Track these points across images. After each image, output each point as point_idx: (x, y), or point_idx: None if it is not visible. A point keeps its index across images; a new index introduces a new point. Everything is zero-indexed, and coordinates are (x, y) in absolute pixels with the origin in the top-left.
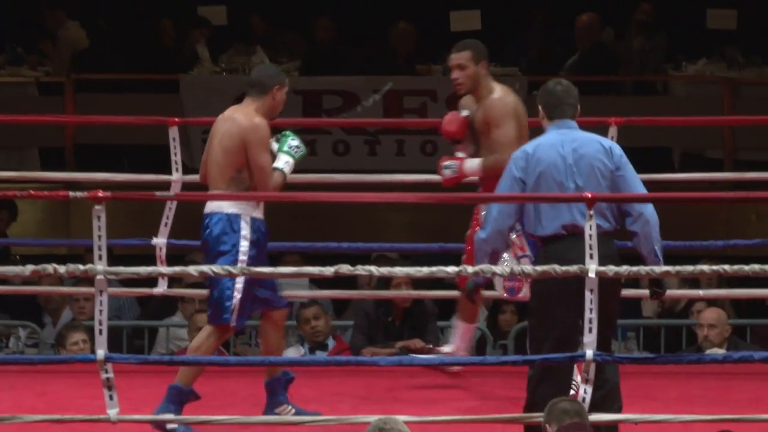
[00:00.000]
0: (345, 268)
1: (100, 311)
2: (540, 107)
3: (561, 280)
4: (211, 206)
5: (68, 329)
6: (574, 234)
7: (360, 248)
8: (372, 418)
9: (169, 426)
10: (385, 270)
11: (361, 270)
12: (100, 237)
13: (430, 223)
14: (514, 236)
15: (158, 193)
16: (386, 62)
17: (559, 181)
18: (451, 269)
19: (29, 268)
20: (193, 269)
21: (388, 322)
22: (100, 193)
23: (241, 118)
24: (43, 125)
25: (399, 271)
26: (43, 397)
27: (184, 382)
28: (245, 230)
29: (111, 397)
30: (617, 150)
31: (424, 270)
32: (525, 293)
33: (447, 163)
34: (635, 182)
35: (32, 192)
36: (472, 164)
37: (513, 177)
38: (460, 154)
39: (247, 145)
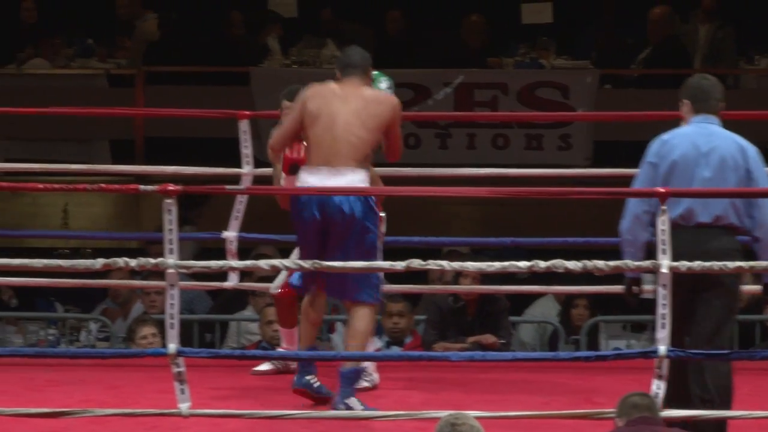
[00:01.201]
0: (416, 263)
1: (172, 305)
2: (685, 100)
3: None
4: (339, 183)
5: (137, 323)
6: (689, 225)
7: (431, 242)
8: (443, 414)
9: (358, 405)
10: (456, 265)
11: (433, 265)
12: (171, 230)
13: (501, 218)
14: None
15: (228, 187)
16: (457, 55)
17: (690, 170)
18: (523, 264)
19: (100, 262)
20: (264, 263)
21: (461, 317)
22: (171, 187)
23: (384, 98)
24: (113, 118)
25: (470, 265)
26: (113, 391)
27: (357, 363)
28: (376, 208)
29: (182, 391)
30: (752, 151)
31: (496, 265)
32: None
33: None
34: (764, 185)
35: (102, 185)
36: None
37: (648, 162)
38: None
39: (393, 122)
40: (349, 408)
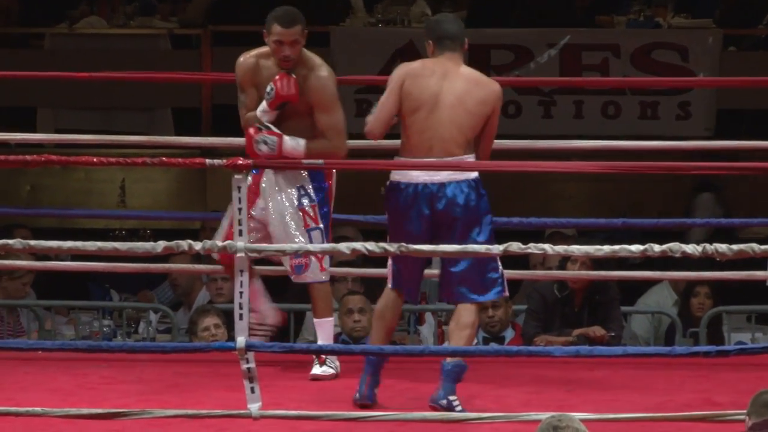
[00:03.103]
0: (515, 246)
1: (241, 293)
2: None
3: None
4: (452, 173)
5: (199, 314)
6: None
7: (533, 224)
8: (544, 415)
9: (457, 405)
10: (560, 248)
11: (534, 248)
12: (240, 210)
13: (611, 196)
14: (308, 206)
15: (306, 161)
16: (563, 13)
17: None
18: (636, 247)
19: (161, 245)
20: (344, 246)
21: (566, 307)
22: (241, 161)
23: (487, 82)
24: (176, 83)
25: (576, 249)
26: (175, 390)
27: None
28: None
29: (252, 390)
30: None
31: (605, 248)
32: (314, 274)
33: (263, 137)
34: None
35: (164, 159)
36: (295, 145)
37: None
38: (274, 129)
39: (495, 111)
40: (450, 405)
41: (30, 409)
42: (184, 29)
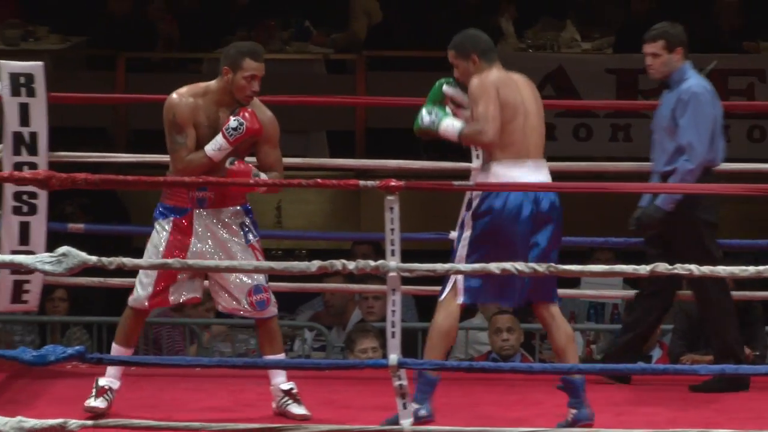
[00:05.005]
0: (662, 267)
1: (393, 312)
2: None
3: None
4: (549, 173)
5: (358, 333)
6: None
7: None
8: None
9: None
10: (706, 269)
11: (680, 269)
12: (393, 230)
13: (757, 217)
14: (254, 241)
15: (456, 183)
16: (709, 38)
17: None
18: None
19: (315, 264)
20: (494, 267)
21: None
22: (393, 182)
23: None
24: (331, 107)
25: (722, 270)
26: (330, 406)
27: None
28: None
29: (404, 407)
30: None
31: (750, 269)
32: (273, 307)
33: (256, 172)
34: None
35: (319, 181)
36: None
37: None
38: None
39: None
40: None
41: (189, 423)
42: (339, 54)
